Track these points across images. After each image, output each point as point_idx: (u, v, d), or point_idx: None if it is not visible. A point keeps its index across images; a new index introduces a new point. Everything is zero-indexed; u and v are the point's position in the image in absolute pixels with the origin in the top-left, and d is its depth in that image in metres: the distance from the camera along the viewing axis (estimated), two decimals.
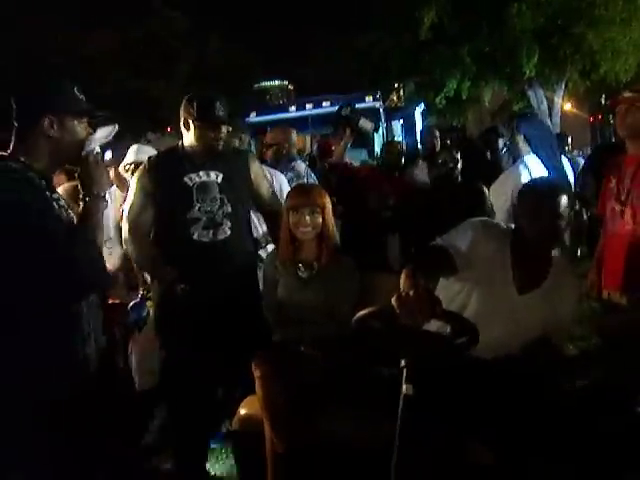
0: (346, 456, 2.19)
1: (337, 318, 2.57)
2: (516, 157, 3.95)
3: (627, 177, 2.91)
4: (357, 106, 10.25)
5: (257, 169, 3.04)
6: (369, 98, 10.20)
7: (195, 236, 2.78)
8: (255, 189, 2.99)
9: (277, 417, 2.33)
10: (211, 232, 2.81)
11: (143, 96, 14.88)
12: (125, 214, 2.90)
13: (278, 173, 3.82)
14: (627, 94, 3.10)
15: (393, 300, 1.83)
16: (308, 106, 10.69)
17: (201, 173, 2.83)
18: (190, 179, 2.82)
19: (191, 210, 2.77)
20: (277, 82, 17.30)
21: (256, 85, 16.69)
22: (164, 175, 2.82)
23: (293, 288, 2.67)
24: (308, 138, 11.28)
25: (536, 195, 2.26)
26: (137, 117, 14.00)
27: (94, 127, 1.93)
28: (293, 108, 11.03)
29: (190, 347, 2.76)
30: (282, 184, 3.72)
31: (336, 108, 10.57)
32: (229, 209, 2.83)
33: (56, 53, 12.91)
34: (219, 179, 2.84)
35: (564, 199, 2.17)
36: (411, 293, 1.79)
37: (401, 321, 1.79)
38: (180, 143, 2.91)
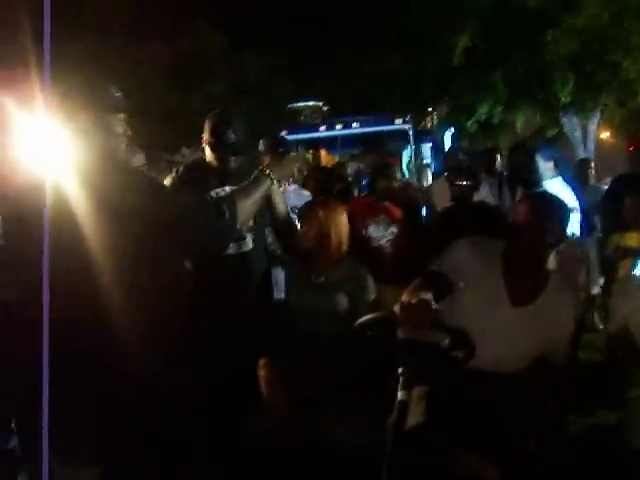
0: (343, 459, 2.29)
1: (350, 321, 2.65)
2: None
3: None
4: (386, 128, 10.35)
5: (275, 188, 3.12)
6: (398, 120, 10.21)
7: None
8: (273, 207, 3.10)
9: (279, 418, 2.54)
10: (236, 245, 2.92)
11: (181, 111, 15.16)
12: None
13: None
14: None
15: (395, 307, 1.91)
16: (338, 126, 10.75)
17: (227, 188, 2.93)
18: (217, 194, 2.91)
19: None
20: (311, 103, 17.42)
21: (290, 105, 16.89)
22: (192, 188, 2.90)
23: (305, 293, 2.92)
24: (337, 158, 11.33)
25: (532, 205, 2.30)
26: (172, 132, 14.25)
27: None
28: (323, 128, 11.10)
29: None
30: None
31: (365, 129, 10.68)
32: (251, 223, 2.94)
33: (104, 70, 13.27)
34: None
35: (557, 212, 2.26)
36: (413, 302, 1.86)
37: (401, 329, 1.86)
38: (204, 157, 3.05)
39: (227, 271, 2.89)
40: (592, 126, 10.93)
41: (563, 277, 2.48)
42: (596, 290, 4.71)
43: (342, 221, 2.97)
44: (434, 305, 1.89)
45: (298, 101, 17.52)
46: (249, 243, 2.98)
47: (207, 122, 2.98)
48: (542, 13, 9.15)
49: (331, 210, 2.97)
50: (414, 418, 2.02)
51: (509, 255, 2.29)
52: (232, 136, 2.90)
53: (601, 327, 4.74)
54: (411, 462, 1.91)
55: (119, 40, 14.14)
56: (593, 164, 6.28)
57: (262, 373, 2.67)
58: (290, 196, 4.02)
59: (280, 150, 3.91)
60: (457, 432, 2.09)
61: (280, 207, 3.18)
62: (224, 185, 2.96)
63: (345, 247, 2.97)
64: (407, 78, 11.42)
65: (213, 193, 2.91)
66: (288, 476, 2.46)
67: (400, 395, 1.80)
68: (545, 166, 4.04)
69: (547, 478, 2.11)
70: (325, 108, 17.82)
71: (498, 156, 5.67)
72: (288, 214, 3.30)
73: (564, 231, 2.33)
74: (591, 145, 10.96)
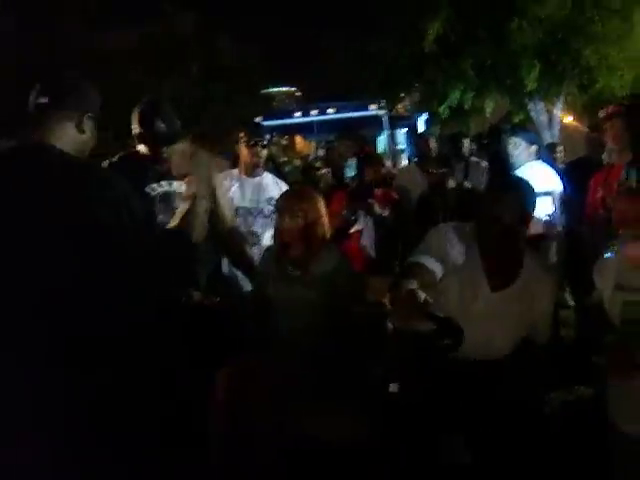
0: (327, 454, 2.24)
1: (332, 315, 2.61)
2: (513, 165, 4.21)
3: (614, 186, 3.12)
4: (361, 114, 10.63)
5: (221, 193, 2.93)
6: (373, 106, 10.50)
7: None
8: (216, 213, 2.91)
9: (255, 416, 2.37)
10: None
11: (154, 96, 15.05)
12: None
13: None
14: (601, 114, 3.40)
15: (384, 299, 1.95)
16: (313, 112, 10.98)
17: (163, 182, 2.78)
18: (152, 189, 2.76)
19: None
20: (284, 88, 17.56)
21: (263, 90, 16.94)
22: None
23: (282, 286, 2.75)
24: (314, 144, 11.61)
25: (499, 189, 2.42)
26: None
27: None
28: (299, 114, 11.31)
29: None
30: None
31: (341, 115, 10.93)
32: None
33: (72, 53, 13.15)
34: (181, 189, 2.70)
35: (523, 194, 2.31)
36: (401, 292, 1.89)
37: (391, 320, 1.88)
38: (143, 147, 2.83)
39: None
40: (557, 111, 11.37)
41: (540, 257, 2.55)
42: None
43: (323, 212, 2.81)
44: (422, 295, 1.89)
45: (271, 86, 17.65)
46: None
47: (134, 111, 2.76)
48: (509, 2, 9.51)
49: (312, 201, 2.80)
50: (409, 411, 2.04)
51: (483, 240, 2.30)
52: (161, 125, 2.71)
53: (571, 304, 4.87)
54: (401, 452, 1.98)
55: (82, 28, 14.00)
56: (562, 148, 6.56)
57: (226, 373, 2.49)
58: (267, 187, 3.78)
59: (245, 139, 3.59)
60: (450, 423, 2.12)
61: (224, 214, 2.94)
62: (159, 180, 2.76)
63: (326, 238, 2.82)
64: (381, 64, 11.67)
65: (148, 189, 2.74)
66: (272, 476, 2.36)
67: (391, 387, 1.87)
68: (528, 150, 4.14)
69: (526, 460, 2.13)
70: (298, 93, 18.04)
71: (465, 141, 5.86)
72: (234, 223, 3.10)
73: (530, 212, 2.35)
74: (556, 129, 11.42)
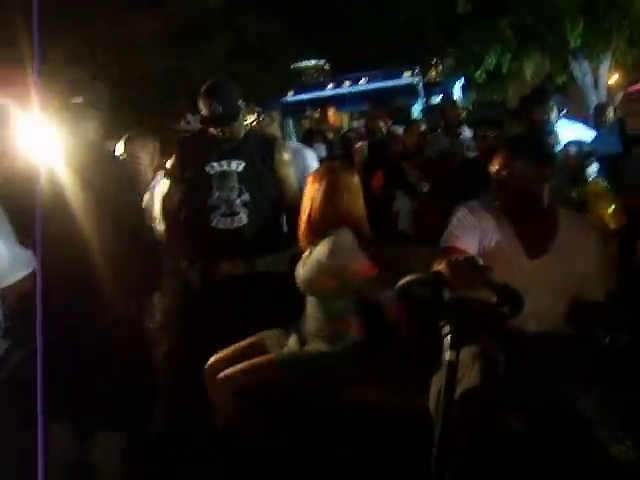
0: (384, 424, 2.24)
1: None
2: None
3: None
4: (395, 82, 10.18)
5: (282, 159, 3.06)
6: (407, 74, 10.08)
7: (214, 223, 2.93)
8: (284, 187, 3.05)
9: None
10: (228, 220, 2.93)
11: (182, 77, 14.91)
12: (160, 196, 3.12)
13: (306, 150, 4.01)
14: None
15: (442, 267, 1.86)
16: (346, 84, 10.61)
17: (223, 162, 2.94)
18: (212, 167, 2.93)
19: (210, 198, 2.92)
20: (313, 62, 17.13)
21: (292, 65, 16.58)
22: (189, 161, 2.99)
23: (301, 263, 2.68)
24: (346, 116, 11.22)
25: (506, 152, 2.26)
26: (174, 99, 14.06)
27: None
28: (330, 86, 10.96)
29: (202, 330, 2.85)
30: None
31: (373, 85, 10.51)
32: (247, 198, 2.93)
33: (100, 38, 12.98)
34: (240, 168, 2.93)
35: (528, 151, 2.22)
36: (460, 260, 1.81)
37: (450, 287, 1.80)
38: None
39: (216, 245, 2.91)
40: (603, 70, 10.71)
41: (575, 213, 2.44)
42: None
43: (350, 190, 2.57)
44: (480, 261, 1.85)
45: (300, 61, 17.29)
46: (243, 219, 2.93)
47: (200, 95, 2.93)
48: None
49: (337, 178, 2.58)
50: (468, 380, 1.97)
51: (506, 208, 2.23)
52: (219, 107, 2.84)
53: None
54: (460, 422, 1.88)
55: (111, 6, 13.82)
56: (611, 108, 6.12)
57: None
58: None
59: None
60: (510, 394, 2.05)
61: (290, 188, 3.08)
62: (221, 159, 2.93)
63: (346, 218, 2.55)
64: (410, 29, 11.16)
65: (208, 168, 2.92)
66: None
67: (449, 355, 1.74)
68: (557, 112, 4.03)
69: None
70: (327, 67, 17.63)
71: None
72: (297, 196, 3.11)
73: (548, 164, 2.24)
74: (602, 90, 10.79)
